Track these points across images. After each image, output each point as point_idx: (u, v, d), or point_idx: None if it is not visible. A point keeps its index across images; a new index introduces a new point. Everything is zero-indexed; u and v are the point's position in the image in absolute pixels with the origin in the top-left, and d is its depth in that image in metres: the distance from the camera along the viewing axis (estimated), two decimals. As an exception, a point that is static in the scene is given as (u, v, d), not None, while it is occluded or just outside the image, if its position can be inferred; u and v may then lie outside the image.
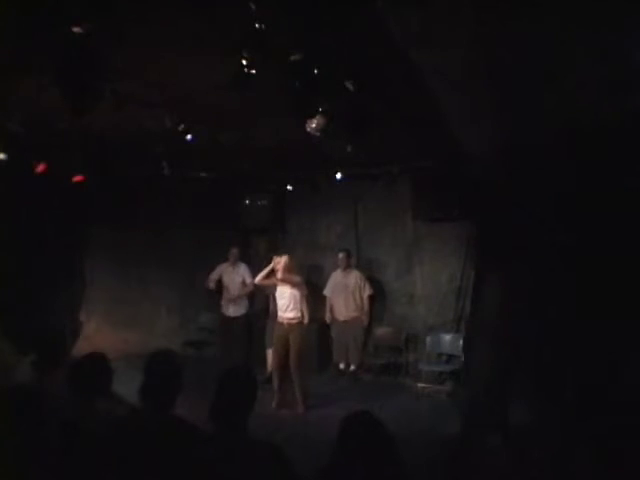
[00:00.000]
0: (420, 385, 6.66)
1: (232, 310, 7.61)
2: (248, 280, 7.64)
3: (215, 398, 2.35)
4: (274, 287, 7.44)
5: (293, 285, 5.88)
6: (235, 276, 7.67)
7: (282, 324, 5.95)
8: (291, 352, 5.89)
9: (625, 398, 4.43)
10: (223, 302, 7.71)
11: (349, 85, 4.02)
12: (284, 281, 5.90)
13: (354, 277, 7.44)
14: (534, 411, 5.21)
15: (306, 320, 7.35)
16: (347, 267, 7.45)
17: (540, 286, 5.93)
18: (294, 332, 5.87)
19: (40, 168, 6.44)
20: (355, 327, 7.35)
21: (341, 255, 7.45)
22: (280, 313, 5.99)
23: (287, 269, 5.87)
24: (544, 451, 4.12)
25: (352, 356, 7.33)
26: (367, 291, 7.41)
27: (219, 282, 7.81)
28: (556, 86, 4.23)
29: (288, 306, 5.91)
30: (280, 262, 5.89)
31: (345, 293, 7.38)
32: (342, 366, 7.41)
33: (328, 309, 7.49)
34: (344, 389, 6.81)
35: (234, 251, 7.77)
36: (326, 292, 7.55)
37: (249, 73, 3.52)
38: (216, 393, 2.37)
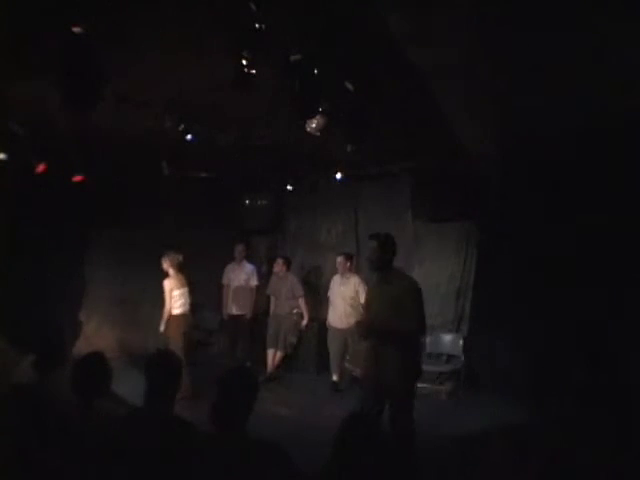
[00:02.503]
0: (420, 385, 6.65)
1: (235, 308, 7.58)
2: (253, 283, 7.59)
3: (216, 398, 2.35)
4: (275, 286, 7.50)
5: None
6: (240, 273, 7.59)
7: None
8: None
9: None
10: (227, 300, 7.68)
11: (349, 85, 4.02)
12: None
13: (352, 285, 6.80)
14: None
15: (305, 321, 7.36)
16: (345, 272, 6.87)
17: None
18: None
19: (40, 168, 6.44)
20: (351, 334, 7.16)
21: (339, 259, 6.92)
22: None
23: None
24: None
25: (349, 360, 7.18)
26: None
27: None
28: (555, 85, 4.23)
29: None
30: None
31: (340, 300, 6.89)
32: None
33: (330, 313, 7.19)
34: (344, 389, 6.80)
35: (240, 247, 7.67)
36: (329, 294, 7.21)
37: (249, 73, 3.52)
38: (217, 393, 2.37)
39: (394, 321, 3.90)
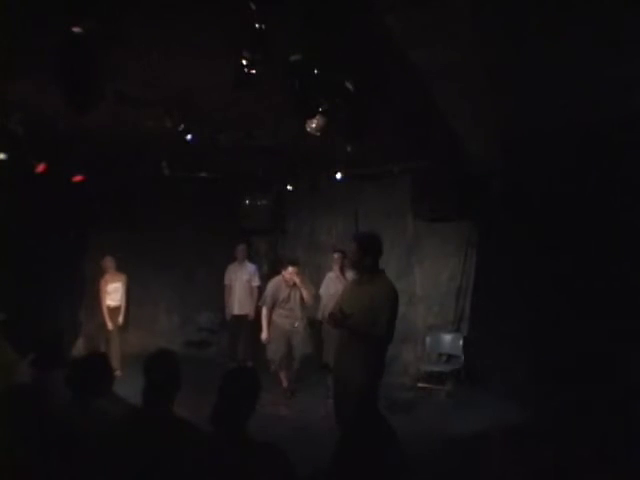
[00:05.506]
0: (420, 385, 6.67)
1: (237, 308, 7.57)
2: (254, 283, 7.60)
3: (217, 398, 2.35)
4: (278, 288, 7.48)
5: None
6: (241, 274, 7.60)
7: None
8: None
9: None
10: (228, 300, 7.66)
11: (349, 85, 4.02)
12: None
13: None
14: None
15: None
16: (343, 269, 6.87)
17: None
18: None
19: (40, 168, 6.44)
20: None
21: (336, 256, 6.96)
22: None
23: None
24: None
25: None
26: None
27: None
28: (556, 85, 4.24)
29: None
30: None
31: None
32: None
33: (322, 308, 7.00)
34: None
35: (241, 247, 7.70)
36: (321, 291, 7.10)
37: (249, 73, 3.51)
38: (218, 393, 2.36)
39: (363, 323, 3.83)
